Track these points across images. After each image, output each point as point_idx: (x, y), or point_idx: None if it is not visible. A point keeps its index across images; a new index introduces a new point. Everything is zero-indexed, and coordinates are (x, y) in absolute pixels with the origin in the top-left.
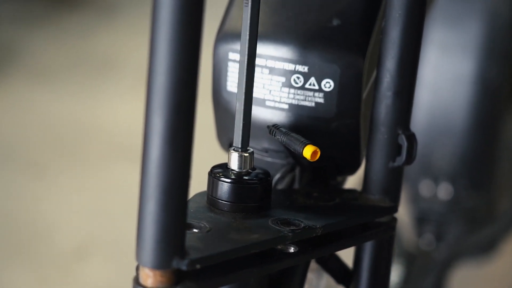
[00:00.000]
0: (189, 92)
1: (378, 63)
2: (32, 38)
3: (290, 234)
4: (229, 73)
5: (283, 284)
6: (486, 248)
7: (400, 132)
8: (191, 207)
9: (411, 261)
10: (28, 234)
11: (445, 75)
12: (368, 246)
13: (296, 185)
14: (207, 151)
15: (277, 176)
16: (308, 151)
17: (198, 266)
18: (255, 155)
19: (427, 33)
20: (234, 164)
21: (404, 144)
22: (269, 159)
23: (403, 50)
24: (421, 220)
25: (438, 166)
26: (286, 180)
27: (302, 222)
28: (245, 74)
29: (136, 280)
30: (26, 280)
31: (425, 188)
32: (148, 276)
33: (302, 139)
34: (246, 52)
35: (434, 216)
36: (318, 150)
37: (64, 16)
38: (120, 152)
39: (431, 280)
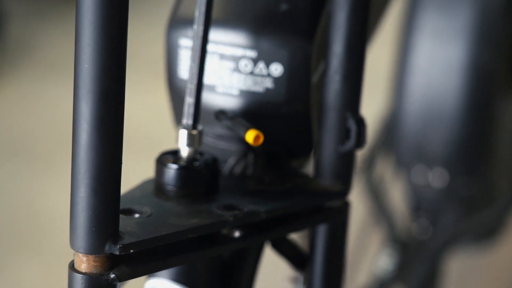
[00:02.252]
0: (115, 79)
1: (326, 48)
2: (43, 32)
3: (231, 218)
4: (180, 60)
5: (235, 269)
6: (485, 235)
7: (349, 116)
8: (138, 192)
9: (404, 249)
10: (34, 226)
11: (437, 61)
12: (321, 231)
13: (250, 171)
14: None
15: (230, 162)
16: (250, 136)
17: (131, 251)
18: (209, 142)
19: (419, 20)
20: (182, 142)
21: (353, 127)
22: (222, 146)
23: (350, 33)
24: (415, 207)
25: (432, 152)
26: (239, 166)
27: (246, 206)
28: (199, 49)
29: (71, 266)
30: (32, 272)
31: (419, 175)
32: (82, 262)
33: (245, 124)
34: (201, 32)
35: (429, 203)
36: (260, 134)
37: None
38: (127, 145)
39: (425, 268)
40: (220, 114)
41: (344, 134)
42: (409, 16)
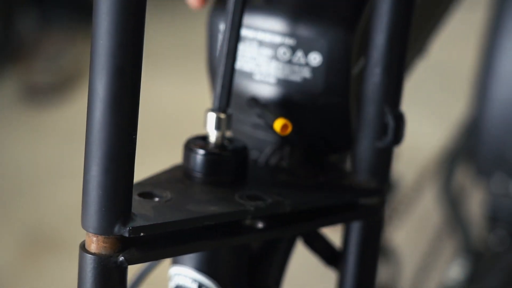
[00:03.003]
0: (131, 57)
1: (368, 40)
2: None
3: (252, 208)
4: (219, 44)
5: (262, 262)
6: None
7: (387, 111)
8: (163, 177)
9: (478, 260)
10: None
11: None
12: (354, 228)
13: (285, 163)
14: None
15: (266, 152)
16: (278, 124)
17: (141, 234)
18: (246, 131)
19: (506, 24)
20: (210, 125)
21: (391, 123)
22: (259, 135)
23: (392, 24)
24: (493, 217)
25: None
26: (275, 157)
27: (271, 197)
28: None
29: (82, 246)
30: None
31: (499, 184)
32: (92, 242)
33: (274, 112)
34: (232, 14)
35: (507, 214)
36: (288, 123)
37: None
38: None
39: (499, 281)
40: (252, 102)
41: (382, 129)
42: (496, 19)
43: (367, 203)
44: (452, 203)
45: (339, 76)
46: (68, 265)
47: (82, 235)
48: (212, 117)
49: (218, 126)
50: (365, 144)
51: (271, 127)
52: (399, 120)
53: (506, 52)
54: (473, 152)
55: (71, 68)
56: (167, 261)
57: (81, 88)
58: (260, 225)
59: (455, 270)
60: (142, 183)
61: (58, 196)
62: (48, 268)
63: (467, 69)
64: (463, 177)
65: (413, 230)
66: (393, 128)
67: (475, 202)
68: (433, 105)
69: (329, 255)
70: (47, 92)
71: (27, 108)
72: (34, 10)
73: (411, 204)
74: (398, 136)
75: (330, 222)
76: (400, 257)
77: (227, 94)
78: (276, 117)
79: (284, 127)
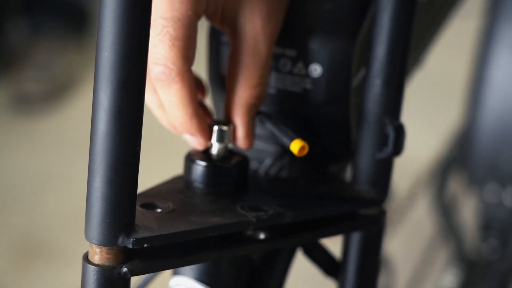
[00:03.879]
0: (136, 68)
1: (369, 50)
2: None
3: (253, 219)
4: (222, 57)
5: (263, 272)
6: None
7: (387, 121)
8: (164, 187)
9: (471, 268)
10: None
11: None
12: (354, 238)
13: (285, 173)
14: None
15: (266, 163)
16: (295, 146)
17: (145, 245)
18: None
19: (498, 33)
20: (213, 138)
21: (391, 134)
22: (259, 146)
23: (393, 36)
24: (485, 226)
25: (506, 170)
26: (275, 167)
27: (273, 208)
28: None
29: (86, 257)
30: None
31: (491, 193)
32: (95, 253)
33: (290, 133)
34: None
35: (500, 223)
36: (306, 145)
37: None
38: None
39: None
40: (264, 117)
41: (382, 140)
42: (488, 29)
43: (367, 213)
44: (445, 212)
45: (340, 87)
46: (58, 274)
47: (72, 243)
48: (214, 129)
49: (220, 139)
50: (365, 155)
51: (287, 147)
52: (399, 131)
53: (498, 61)
54: (466, 161)
55: (62, 76)
56: (167, 271)
57: (72, 96)
58: (261, 235)
59: (448, 279)
60: (144, 194)
61: (49, 204)
62: (39, 276)
63: (460, 78)
64: (456, 186)
65: (407, 239)
66: (393, 139)
67: (468, 211)
68: (426, 115)
69: (329, 265)
70: (38, 100)
71: (18, 116)
72: (25, 18)
73: (405, 214)
74: (398, 147)
75: (331, 233)
76: (394, 266)
77: None
78: (293, 138)
79: (301, 149)
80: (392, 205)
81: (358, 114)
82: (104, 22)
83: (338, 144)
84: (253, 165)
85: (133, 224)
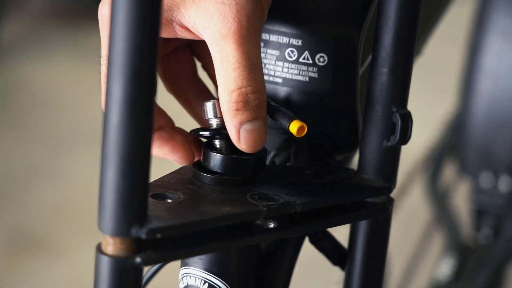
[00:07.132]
0: (148, 59)
1: (374, 39)
2: None
3: (264, 209)
4: None
5: (271, 262)
6: None
7: (394, 110)
8: (174, 178)
9: (466, 254)
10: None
11: (507, 64)
12: (362, 227)
13: (292, 162)
14: None
15: (272, 153)
16: (294, 126)
17: (158, 236)
18: None
19: (489, 22)
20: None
21: (398, 122)
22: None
23: (399, 24)
24: (480, 213)
25: (499, 158)
26: (281, 156)
27: (282, 197)
28: None
29: (99, 248)
30: None
31: (485, 180)
32: (108, 244)
33: (290, 114)
34: None
35: (494, 209)
36: (305, 125)
37: None
38: None
39: (486, 275)
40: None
41: (389, 129)
42: (480, 17)
43: (375, 202)
44: (439, 200)
45: (346, 75)
46: (53, 267)
47: (66, 236)
48: (208, 106)
49: (220, 125)
50: (372, 144)
51: (286, 129)
52: (407, 119)
53: (491, 49)
54: (460, 150)
55: None
56: (173, 263)
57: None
58: (271, 225)
59: (444, 266)
60: (153, 185)
61: (42, 198)
62: (32, 270)
63: (453, 67)
64: (450, 174)
65: (401, 228)
66: (400, 128)
67: (462, 198)
68: (420, 103)
69: (336, 254)
70: None
71: (9, 109)
72: None
73: (399, 202)
74: (405, 135)
75: (340, 221)
76: (389, 254)
77: None
78: (292, 119)
79: (300, 129)
80: None
81: (365, 103)
82: (116, 14)
83: (344, 133)
84: None
85: (145, 214)
